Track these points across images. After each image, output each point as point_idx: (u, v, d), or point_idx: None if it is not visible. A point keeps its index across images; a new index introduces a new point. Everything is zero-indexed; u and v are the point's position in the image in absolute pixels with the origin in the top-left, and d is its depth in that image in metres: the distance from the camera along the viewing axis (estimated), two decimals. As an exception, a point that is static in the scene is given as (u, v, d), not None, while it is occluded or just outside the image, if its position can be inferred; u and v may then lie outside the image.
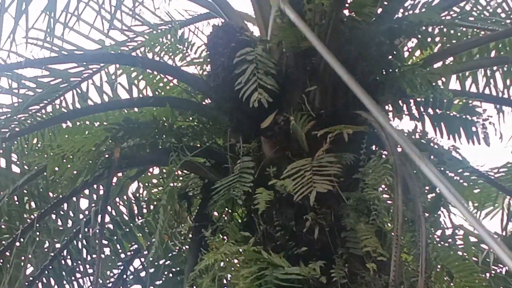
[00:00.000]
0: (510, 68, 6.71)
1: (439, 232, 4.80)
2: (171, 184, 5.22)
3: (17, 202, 6.64)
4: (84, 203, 6.95)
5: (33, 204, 6.76)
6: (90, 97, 6.89)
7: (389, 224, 4.55)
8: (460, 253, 5.43)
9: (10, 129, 6.04)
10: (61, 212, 6.88)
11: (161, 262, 6.37)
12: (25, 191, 6.57)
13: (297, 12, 4.94)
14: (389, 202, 4.44)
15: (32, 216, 6.49)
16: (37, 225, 6.21)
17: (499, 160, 6.66)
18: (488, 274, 6.42)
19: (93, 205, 6.79)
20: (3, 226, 6.56)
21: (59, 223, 6.90)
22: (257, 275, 4.09)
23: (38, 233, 6.53)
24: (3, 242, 6.35)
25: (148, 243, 6.76)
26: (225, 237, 4.93)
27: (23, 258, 6.62)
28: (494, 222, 7.54)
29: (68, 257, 6.98)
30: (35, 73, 6.39)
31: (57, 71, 6.43)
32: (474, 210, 7.15)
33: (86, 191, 6.74)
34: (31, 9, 6.21)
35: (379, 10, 4.98)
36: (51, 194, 6.60)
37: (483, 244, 6.55)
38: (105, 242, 6.50)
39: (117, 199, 6.82)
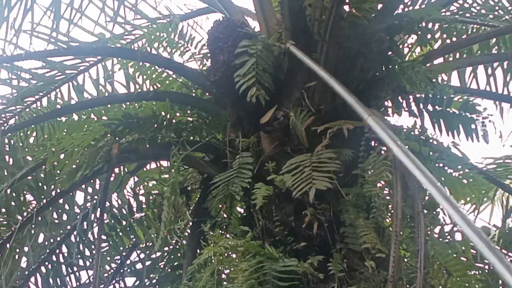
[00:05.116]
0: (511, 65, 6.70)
1: (437, 229, 4.79)
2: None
3: (15, 196, 6.63)
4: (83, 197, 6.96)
5: (31, 197, 6.75)
6: (86, 89, 6.85)
7: (388, 220, 4.55)
8: (457, 248, 5.42)
9: (5, 120, 6.02)
10: (60, 206, 6.87)
11: (157, 255, 6.37)
12: (24, 184, 6.56)
13: (297, 8, 4.98)
14: (388, 198, 4.43)
15: (30, 210, 6.49)
16: (36, 218, 6.21)
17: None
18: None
19: (92, 198, 6.80)
20: (1, 220, 6.55)
21: (58, 216, 6.90)
22: (256, 268, 4.09)
23: (36, 227, 6.53)
24: (2, 235, 6.34)
25: (145, 236, 6.75)
26: (222, 232, 4.95)
27: (20, 250, 6.63)
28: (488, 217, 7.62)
29: (66, 250, 6.98)
30: (31, 65, 6.36)
31: (53, 63, 6.36)
32: (472, 206, 7.19)
33: (85, 185, 6.73)
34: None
35: (379, 6, 4.98)
36: (50, 188, 6.59)
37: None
38: (103, 237, 6.48)
39: (116, 194, 6.81)
